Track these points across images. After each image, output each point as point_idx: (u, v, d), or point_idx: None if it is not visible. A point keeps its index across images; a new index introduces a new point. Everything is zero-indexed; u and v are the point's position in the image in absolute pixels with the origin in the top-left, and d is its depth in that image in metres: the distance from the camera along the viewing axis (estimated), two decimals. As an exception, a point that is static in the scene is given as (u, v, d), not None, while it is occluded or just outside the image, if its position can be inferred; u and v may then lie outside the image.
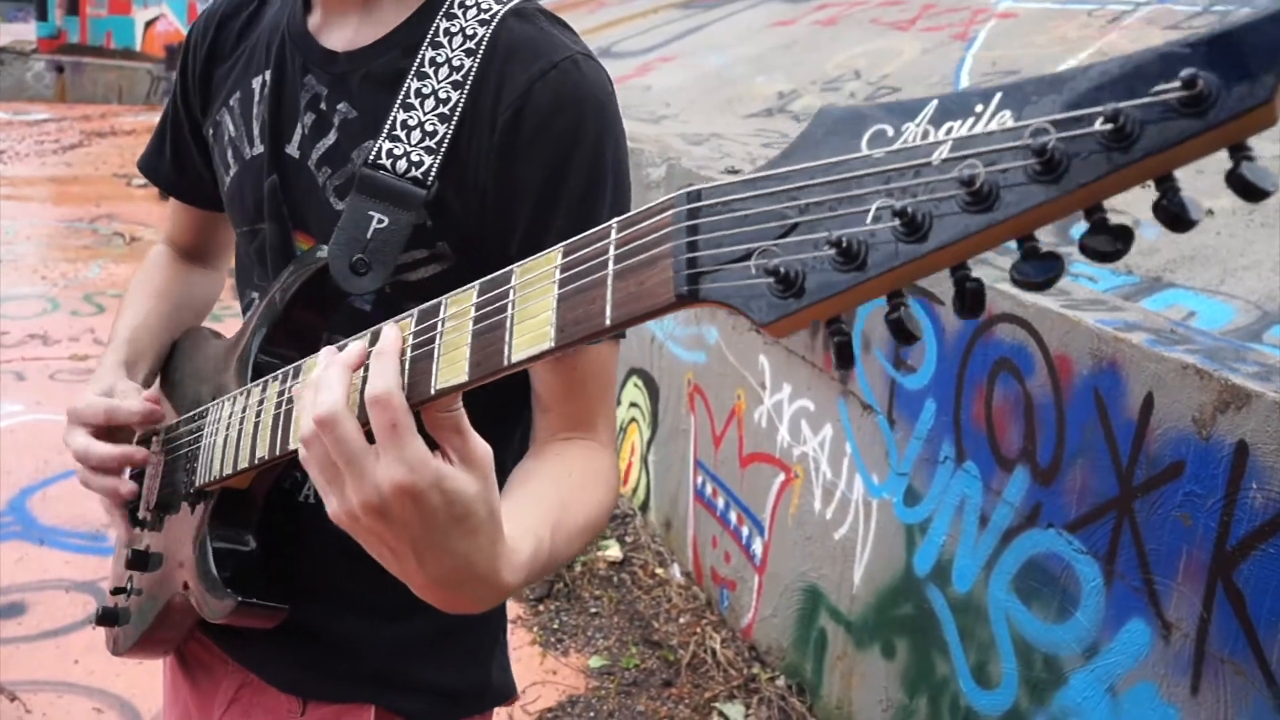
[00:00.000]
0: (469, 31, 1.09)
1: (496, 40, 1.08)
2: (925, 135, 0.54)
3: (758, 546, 3.37)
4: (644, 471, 4.23)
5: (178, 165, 1.41)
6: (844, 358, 0.59)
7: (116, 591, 1.36)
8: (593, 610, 3.68)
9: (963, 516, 2.43)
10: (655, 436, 4.12)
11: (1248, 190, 0.47)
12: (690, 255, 0.62)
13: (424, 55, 1.09)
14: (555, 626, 3.58)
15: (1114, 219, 0.50)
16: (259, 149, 1.20)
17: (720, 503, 3.61)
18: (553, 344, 0.70)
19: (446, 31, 1.10)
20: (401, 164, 1.06)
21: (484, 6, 1.11)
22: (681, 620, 3.60)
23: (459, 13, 1.10)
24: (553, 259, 0.72)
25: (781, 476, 3.25)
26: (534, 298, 0.72)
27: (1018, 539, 2.27)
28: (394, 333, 0.81)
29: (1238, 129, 0.46)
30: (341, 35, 1.17)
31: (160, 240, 1.55)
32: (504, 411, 1.21)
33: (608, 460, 1.13)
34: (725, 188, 0.61)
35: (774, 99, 5.14)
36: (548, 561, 0.96)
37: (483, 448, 0.81)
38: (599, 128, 1.08)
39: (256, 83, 1.22)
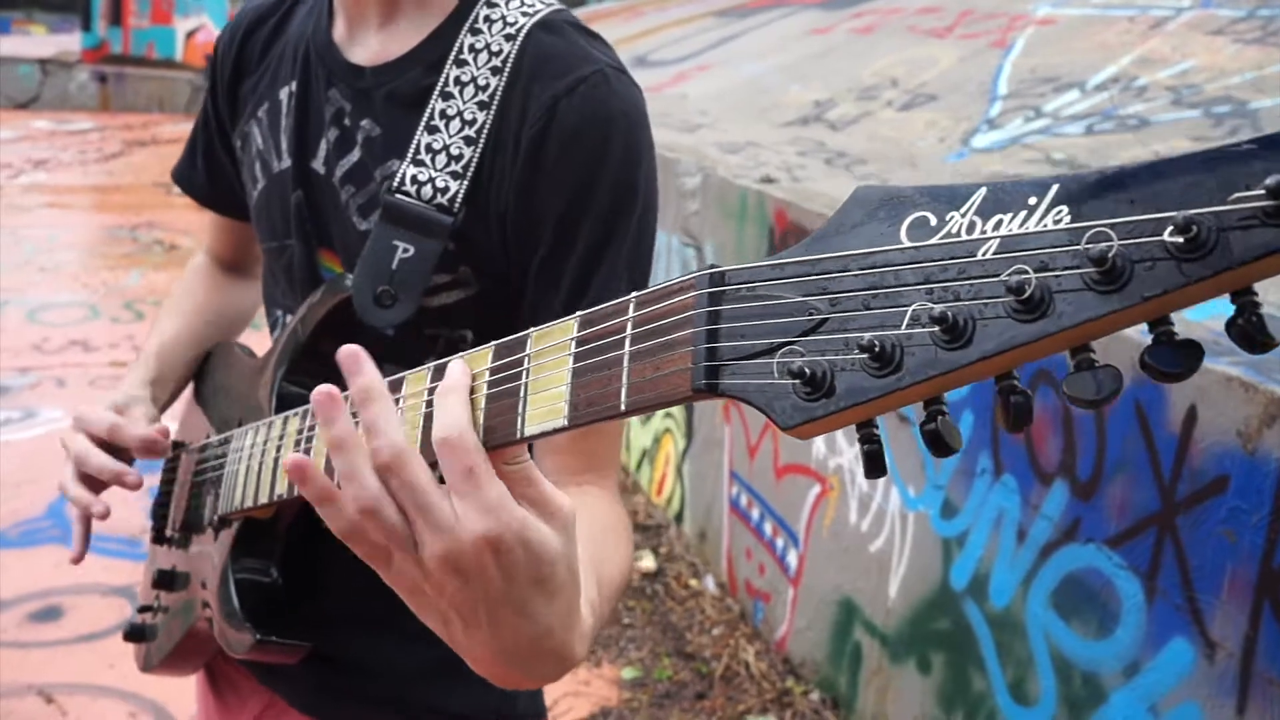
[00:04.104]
0: (495, 48, 1.05)
1: (523, 56, 1.04)
2: (971, 228, 0.50)
3: (792, 558, 3.34)
4: (678, 482, 4.21)
5: (210, 176, 1.40)
6: (875, 467, 0.55)
7: (144, 609, 1.35)
8: (625, 621, 3.66)
9: (1000, 530, 2.40)
10: (690, 447, 4.10)
11: None
12: (710, 346, 0.57)
13: (448, 74, 1.05)
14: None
15: (1181, 334, 0.46)
16: (286, 163, 1.17)
17: (755, 514, 3.58)
18: (566, 423, 0.65)
19: (472, 48, 1.05)
20: (427, 190, 1.02)
21: (510, 20, 1.06)
22: (715, 632, 3.58)
23: (484, 27, 1.06)
24: (569, 329, 0.66)
25: (817, 488, 3.22)
26: (550, 368, 0.67)
27: (1057, 554, 2.23)
28: (461, 367, 0.71)
29: None
30: (366, 48, 1.13)
31: (201, 250, 1.54)
32: None
33: (622, 510, 1.06)
34: (750, 271, 0.57)
35: (810, 107, 5.12)
36: (596, 625, 0.85)
37: (564, 500, 0.71)
38: (627, 145, 1.03)
39: (284, 94, 1.19)
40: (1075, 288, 0.46)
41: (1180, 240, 0.43)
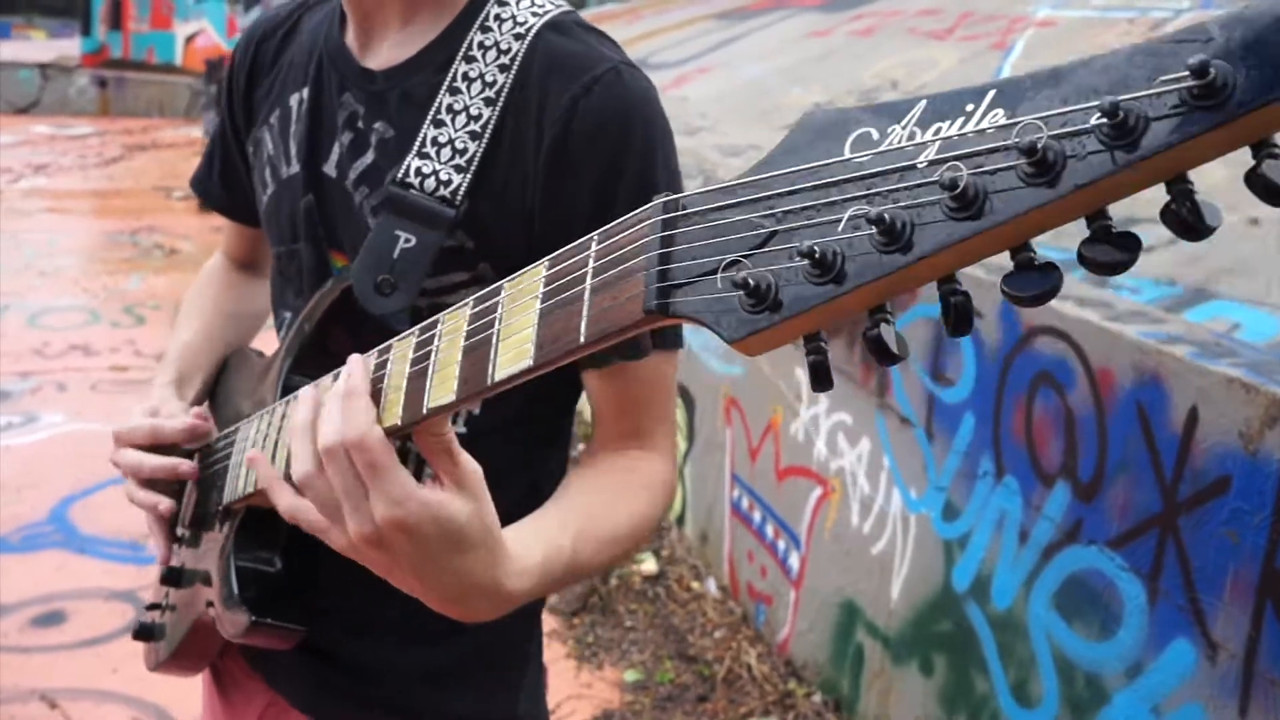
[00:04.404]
0: (503, 46, 1.06)
1: (533, 55, 1.06)
2: (912, 137, 0.50)
3: (794, 561, 3.34)
4: (680, 484, 4.21)
5: (226, 184, 1.42)
6: (820, 379, 0.55)
7: (152, 607, 1.37)
8: (628, 624, 3.66)
9: (1002, 532, 2.40)
10: (691, 450, 4.10)
11: (1270, 192, 0.42)
12: (662, 268, 0.59)
13: (456, 70, 1.07)
14: (590, 640, 3.57)
15: (1120, 226, 0.46)
16: (295, 168, 1.18)
17: (757, 516, 3.59)
18: (532, 362, 0.68)
19: (480, 45, 1.07)
20: (430, 182, 1.04)
21: (519, 19, 1.08)
22: (717, 635, 3.58)
23: (494, 26, 1.08)
24: (538, 273, 0.70)
25: (819, 490, 3.22)
26: (519, 313, 0.71)
27: (1059, 555, 2.23)
28: (359, 369, 0.84)
29: (1259, 123, 0.42)
30: (378, 52, 1.15)
31: (218, 251, 1.56)
32: (552, 433, 1.21)
33: (657, 469, 1.11)
34: (702, 196, 0.58)
35: (810, 110, 5.12)
36: (569, 568, 0.97)
37: (473, 467, 0.83)
38: (647, 138, 1.06)
39: (294, 100, 1.21)
40: (1010, 185, 0.46)
41: (1107, 125, 0.43)
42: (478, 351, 0.73)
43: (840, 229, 0.51)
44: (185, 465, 1.23)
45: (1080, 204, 0.45)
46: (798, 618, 3.32)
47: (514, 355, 0.70)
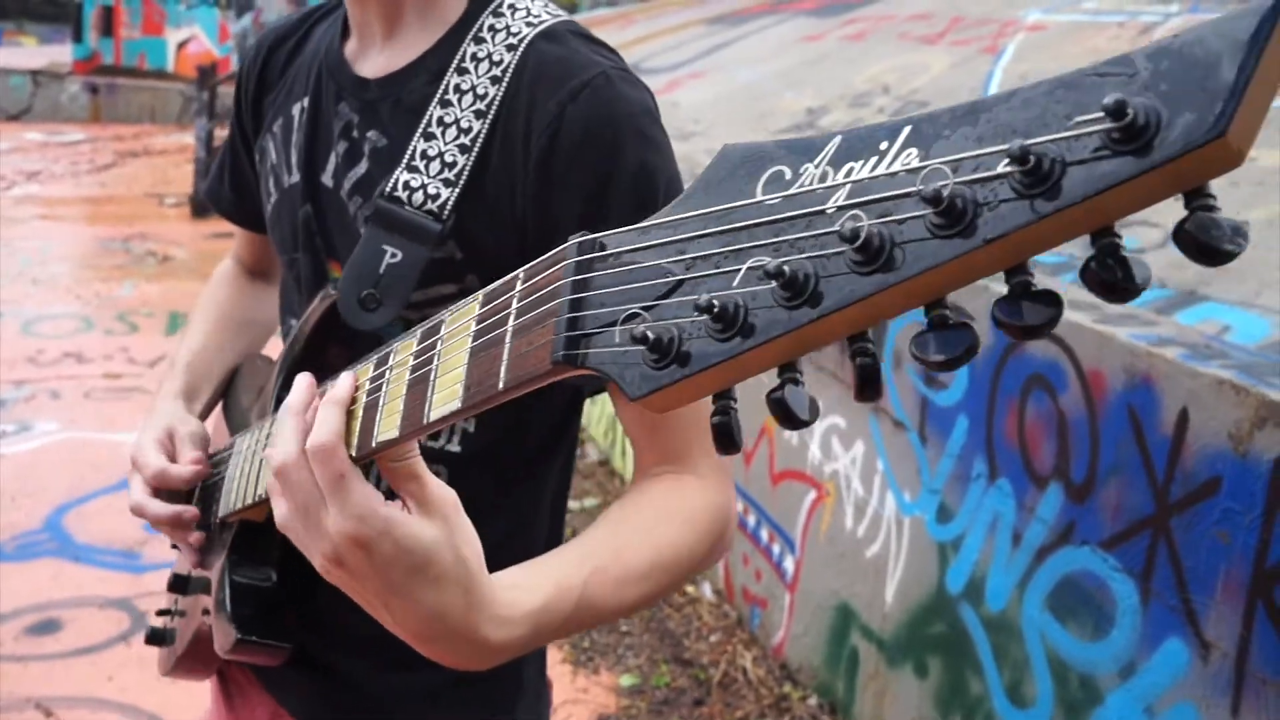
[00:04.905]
0: (496, 58, 1.05)
1: (524, 66, 1.03)
2: (824, 178, 0.47)
3: (789, 564, 3.35)
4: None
5: (236, 191, 1.42)
6: (724, 442, 0.51)
7: (162, 613, 1.37)
8: (623, 628, 3.67)
9: (996, 534, 2.41)
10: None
11: (1202, 252, 0.38)
12: (573, 316, 0.55)
13: (448, 82, 1.05)
14: (586, 645, 3.58)
15: (1039, 284, 0.42)
16: (295, 177, 1.18)
17: (751, 520, 3.60)
18: (460, 405, 0.65)
19: (474, 57, 1.06)
20: (418, 196, 1.02)
21: (513, 30, 1.06)
22: (712, 639, 3.59)
23: (488, 37, 1.06)
24: (473, 309, 0.67)
25: (813, 494, 3.23)
26: (455, 350, 0.67)
27: (1052, 557, 2.24)
28: (348, 382, 0.79)
29: (1190, 170, 0.37)
30: (374, 61, 1.14)
31: (229, 256, 1.56)
32: (535, 453, 1.17)
33: (701, 494, 1.02)
34: (618, 237, 0.55)
35: (803, 115, 5.14)
36: (577, 612, 0.89)
37: (443, 493, 0.78)
38: (639, 145, 1.02)
39: (296, 109, 1.20)
40: (918, 235, 0.42)
41: (1018, 173, 0.40)
42: (418, 388, 0.70)
43: (739, 281, 0.48)
44: (190, 512, 1.21)
45: (997, 257, 0.42)
46: (793, 621, 3.33)
47: (446, 395, 0.67)
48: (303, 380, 0.81)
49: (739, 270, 0.48)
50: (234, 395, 1.40)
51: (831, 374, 3.08)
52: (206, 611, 1.17)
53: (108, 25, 19.60)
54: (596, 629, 3.65)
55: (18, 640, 3.48)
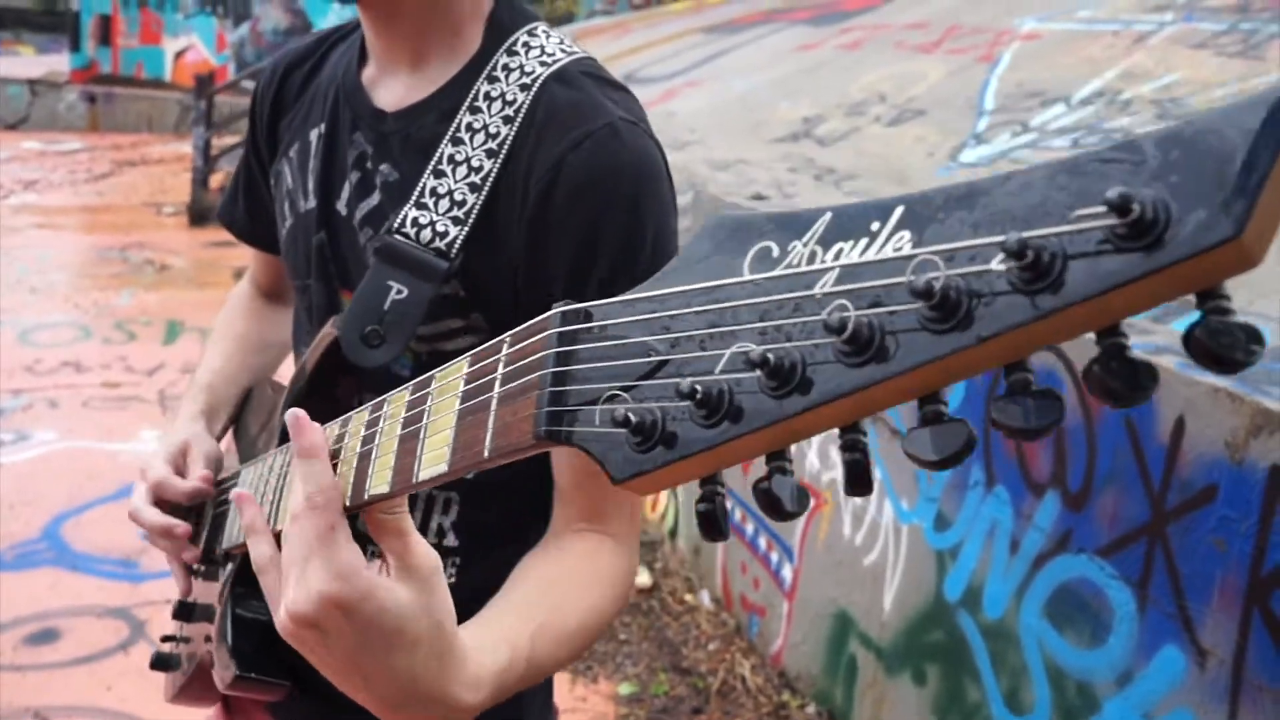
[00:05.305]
0: (509, 97, 1.04)
1: (536, 108, 1.03)
2: (812, 258, 0.44)
3: (787, 572, 3.36)
4: (673, 498, 4.22)
5: (250, 213, 1.41)
6: (709, 529, 0.50)
7: (167, 639, 1.37)
8: (622, 637, 3.67)
9: (993, 542, 2.42)
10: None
11: (1213, 360, 0.35)
12: (555, 390, 0.54)
13: (461, 120, 1.04)
14: (585, 654, 3.58)
15: (1040, 384, 0.40)
16: (311, 203, 1.17)
17: (749, 529, 3.60)
18: (447, 467, 0.64)
19: (487, 96, 1.05)
20: (426, 233, 1.01)
21: (527, 69, 1.05)
22: (711, 647, 3.59)
23: (501, 75, 1.05)
24: (461, 369, 0.66)
25: (811, 502, 3.23)
26: (444, 410, 0.66)
27: (1049, 564, 2.25)
28: (319, 436, 0.76)
29: (1202, 270, 0.34)
30: (391, 92, 1.13)
31: (246, 277, 1.56)
32: (545, 481, 1.14)
33: (617, 559, 1.05)
34: (604, 308, 0.53)
35: (799, 124, 5.16)
36: (526, 670, 0.89)
37: (425, 555, 0.75)
38: (635, 197, 1.00)
39: (314, 135, 1.19)
40: (909, 326, 0.40)
41: (1015, 268, 0.37)
42: (409, 444, 0.69)
43: (722, 366, 0.46)
44: (180, 527, 1.21)
45: (994, 354, 0.39)
46: (791, 629, 3.33)
47: (435, 456, 0.65)
48: (317, 436, 0.77)
49: (723, 354, 0.46)
50: (244, 420, 1.39)
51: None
52: (209, 639, 1.16)
53: (105, 34, 19.63)
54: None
55: (16, 650, 3.48)
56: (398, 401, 0.73)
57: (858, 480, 0.45)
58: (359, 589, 0.71)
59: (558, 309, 0.56)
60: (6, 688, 3.27)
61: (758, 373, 0.44)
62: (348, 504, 0.74)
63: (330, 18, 16.83)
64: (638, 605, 3.85)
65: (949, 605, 2.59)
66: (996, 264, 0.38)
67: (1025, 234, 0.37)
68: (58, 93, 18.55)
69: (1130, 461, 2.04)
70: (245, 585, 1.10)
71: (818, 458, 3.17)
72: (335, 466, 0.77)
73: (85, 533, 4.24)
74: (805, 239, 0.45)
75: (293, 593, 0.73)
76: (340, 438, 0.80)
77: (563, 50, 1.08)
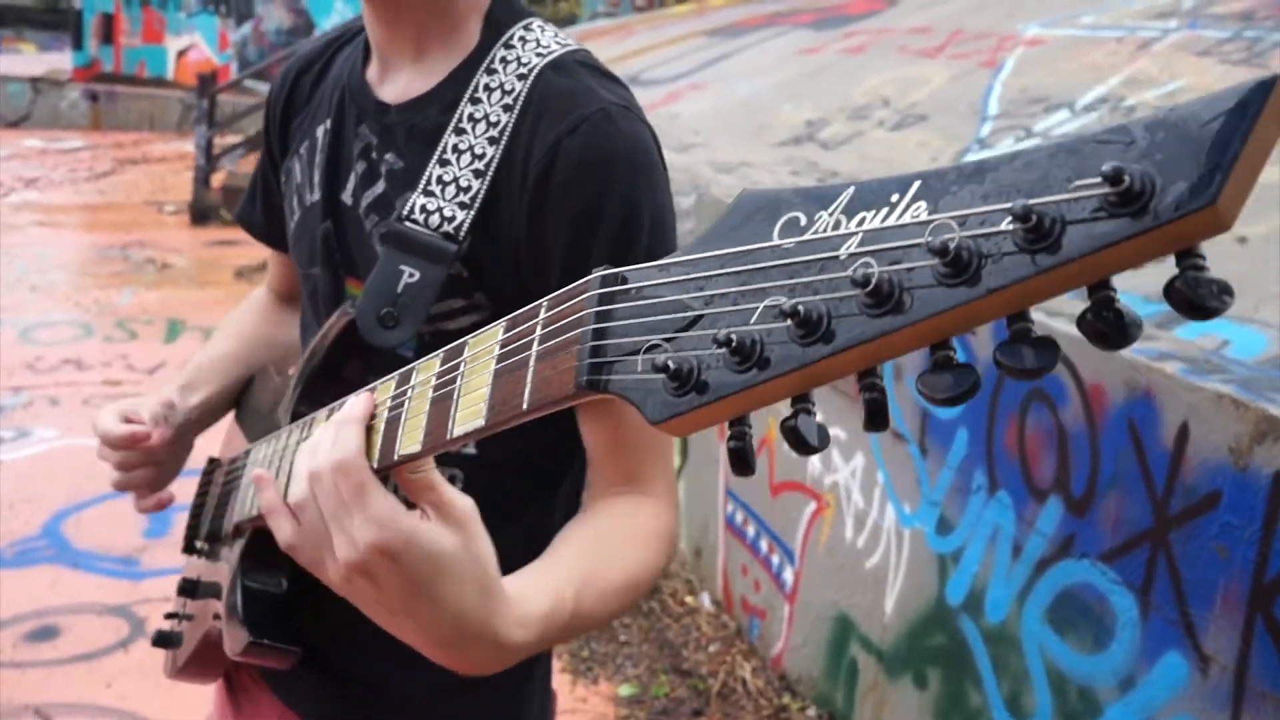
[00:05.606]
0: (507, 87, 1.10)
1: (533, 95, 1.08)
2: (837, 226, 0.50)
3: (788, 575, 3.36)
4: (673, 498, 4.23)
5: (266, 214, 1.46)
6: (738, 464, 0.54)
7: (170, 616, 1.40)
8: (622, 638, 3.67)
9: (996, 546, 2.42)
10: (686, 465, 4.12)
11: (1191, 308, 0.41)
12: (595, 344, 0.59)
13: (462, 111, 1.10)
14: (585, 655, 3.58)
15: (1039, 330, 0.45)
16: (317, 195, 1.23)
17: (751, 531, 3.60)
18: (484, 422, 0.69)
19: (486, 87, 1.10)
20: (434, 219, 1.06)
21: (524, 60, 1.11)
22: (711, 649, 3.59)
23: (499, 68, 1.11)
24: (496, 334, 0.71)
25: (813, 505, 3.24)
26: (479, 371, 0.72)
27: (1051, 569, 2.25)
28: (364, 401, 0.83)
29: (1181, 232, 0.40)
30: (394, 87, 1.18)
31: (263, 284, 1.61)
32: (549, 476, 1.20)
33: (658, 516, 1.10)
34: (639, 272, 0.59)
35: (802, 127, 5.16)
36: (572, 620, 0.94)
37: (462, 502, 0.82)
38: (631, 181, 1.05)
39: (320, 131, 1.25)
40: (926, 282, 0.46)
41: (1020, 230, 0.43)
42: (442, 405, 0.75)
43: (756, 318, 0.52)
44: (143, 432, 1.32)
45: (999, 305, 0.45)
46: (792, 632, 3.33)
47: (470, 413, 0.71)
48: (361, 400, 0.84)
49: (756, 308, 0.52)
50: (249, 405, 1.42)
51: (831, 386, 3.08)
52: (217, 616, 1.19)
53: (108, 33, 19.64)
54: (595, 639, 3.65)
55: (16, 647, 3.48)
56: (427, 369, 0.78)
57: (877, 415, 0.50)
58: (403, 533, 0.77)
59: (597, 273, 0.62)
60: (6, 685, 3.27)
61: (788, 323, 0.49)
62: (374, 466, 0.80)
63: (333, 17, 16.84)
64: (638, 607, 3.85)
65: (951, 609, 2.59)
66: (1005, 225, 0.44)
67: (1030, 201, 0.43)
68: (60, 91, 18.55)
69: (1133, 467, 2.04)
70: (256, 557, 1.14)
71: (820, 461, 3.18)
72: (400, 419, 0.82)
73: (85, 530, 4.25)
74: (830, 209, 0.51)
75: (341, 549, 0.79)
76: (401, 393, 0.84)
77: (557, 43, 1.14)
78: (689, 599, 3.88)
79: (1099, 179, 0.41)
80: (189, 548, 1.36)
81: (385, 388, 0.83)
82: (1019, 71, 4.82)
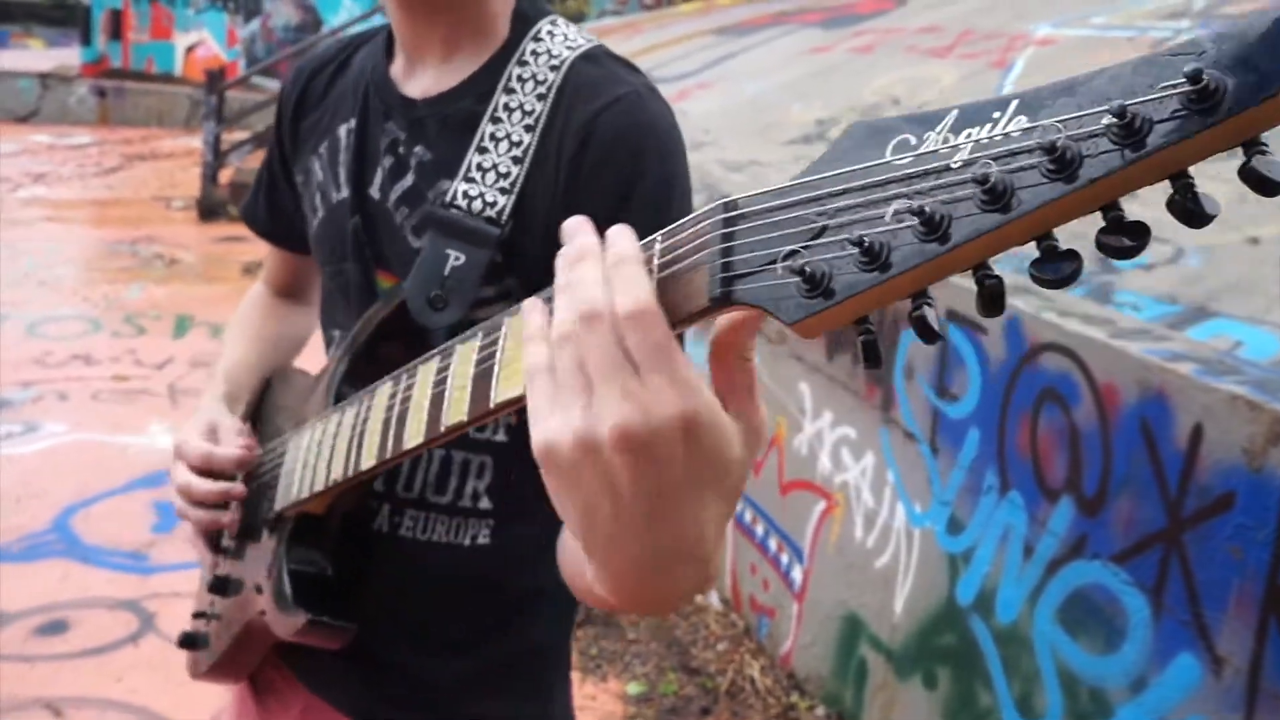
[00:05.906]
0: (540, 77, 1.15)
1: (566, 84, 1.15)
2: (946, 142, 0.55)
3: (797, 574, 3.36)
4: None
5: (271, 212, 1.48)
6: (871, 357, 0.59)
7: (198, 616, 1.40)
8: (630, 636, 3.67)
9: (1007, 546, 2.42)
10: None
11: (1261, 184, 0.47)
12: (725, 260, 0.63)
13: (498, 100, 1.15)
14: (594, 653, 3.58)
15: (1130, 216, 0.51)
16: (344, 193, 1.25)
17: (759, 530, 3.60)
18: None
19: (519, 78, 1.15)
20: (477, 204, 1.11)
21: (554, 52, 1.17)
22: (720, 647, 3.59)
23: (530, 59, 1.16)
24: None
25: (822, 504, 3.24)
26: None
27: (1063, 570, 2.25)
28: (630, 239, 0.67)
29: (1248, 123, 0.47)
30: (420, 82, 1.22)
31: (259, 280, 1.62)
32: None
33: None
34: (758, 197, 0.63)
35: (811, 126, 5.16)
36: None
37: (765, 421, 0.70)
38: (662, 155, 1.12)
39: (343, 130, 1.27)
40: (1034, 181, 0.51)
41: (1116, 126, 0.48)
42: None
43: (886, 221, 0.56)
44: (237, 489, 1.28)
45: (1095, 196, 0.50)
46: (801, 631, 3.33)
47: None
48: (627, 238, 0.67)
49: (883, 214, 0.56)
50: (264, 405, 1.43)
51: (842, 385, 3.08)
52: (263, 612, 1.20)
53: (116, 29, 19.65)
54: (604, 637, 3.66)
55: (26, 641, 3.49)
56: (516, 320, 0.76)
57: (995, 301, 0.55)
58: (710, 408, 0.63)
59: (719, 201, 0.64)
60: (16, 678, 3.28)
61: (914, 221, 0.54)
62: (465, 418, 0.79)
63: (341, 14, 16.85)
64: (646, 605, 3.85)
65: (961, 609, 2.59)
66: (1105, 122, 0.49)
67: (1126, 101, 0.49)
68: (68, 86, 18.56)
69: (1146, 468, 2.04)
70: (301, 542, 1.17)
71: (830, 460, 3.18)
72: (443, 394, 0.83)
73: (95, 525, 4.25)
74: (938, 129, 0.56)
75: (613, 413, 0.61)
76: (445, 367, 0.85)
77: (582, 37, 1.21)
78: (697, 597, 3.88)
79: (1182, 79, 0.47)
80: (215, 548, 1.37)
81: (471, 344, 0.81)
82: (1029, 72, 4.81)
